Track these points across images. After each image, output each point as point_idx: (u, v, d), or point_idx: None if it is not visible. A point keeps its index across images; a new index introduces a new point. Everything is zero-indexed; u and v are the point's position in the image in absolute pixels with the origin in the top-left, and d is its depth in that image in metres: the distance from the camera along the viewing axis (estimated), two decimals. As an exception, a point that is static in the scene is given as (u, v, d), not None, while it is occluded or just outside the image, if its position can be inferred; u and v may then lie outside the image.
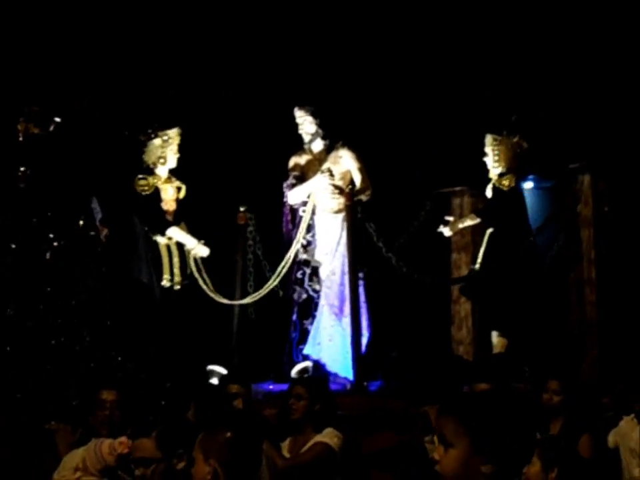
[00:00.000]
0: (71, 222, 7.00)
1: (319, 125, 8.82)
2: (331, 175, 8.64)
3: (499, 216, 8.92)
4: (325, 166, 8.77)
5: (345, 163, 8.90)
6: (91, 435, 5.89)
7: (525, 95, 9.43)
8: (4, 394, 6.40)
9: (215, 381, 7.89)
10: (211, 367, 8.10)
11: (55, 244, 6.77)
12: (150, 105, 8.79)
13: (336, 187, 8.62)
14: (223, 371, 8.04)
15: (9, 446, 5.95)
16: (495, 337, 8.89)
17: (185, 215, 8.77)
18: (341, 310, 8.57)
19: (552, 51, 9.24)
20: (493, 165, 9.04)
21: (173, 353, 8.05)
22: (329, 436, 5.67)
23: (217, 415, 5.39)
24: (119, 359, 6.86)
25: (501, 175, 9.00)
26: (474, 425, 2.85)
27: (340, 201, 8.61)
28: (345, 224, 8.52)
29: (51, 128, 7.20)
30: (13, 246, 6.72)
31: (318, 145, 8.93)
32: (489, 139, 9.08)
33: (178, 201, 8.68)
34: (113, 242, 8.04)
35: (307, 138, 8.90)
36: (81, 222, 7.00)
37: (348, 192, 8.36)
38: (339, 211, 8.67)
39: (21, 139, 7.11)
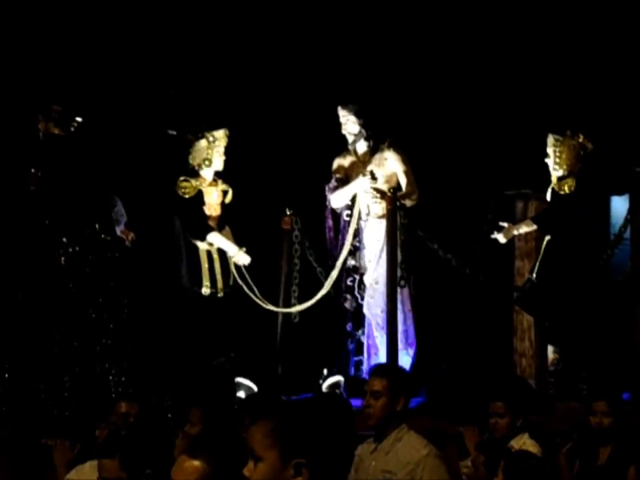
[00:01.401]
0: (87, 226, 6.73)
1: (363, 125, 8.35)
2: (373, 177, 8.19)
3: (557, 223, 8.33)
4: (369, 168, 8.32)
5: (391, 165, 8.42)
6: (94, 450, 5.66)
7: (591, 94, 8.87)
8: (7, 405, 6.19)
9: (242, 394, 7.59)
10: (239, 380, 7.77)
11: (70, 249, 6.50)
12: (196, 105, 8.51)
13: (378, 190, 8.15)
14: (251, 384, 7.73)
15: (9, 460, 5.76)
16: (550, 351, 8.34)
17: (231, 220, 8.44)
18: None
19: (615, 54, 8.70)
20: (554, 167, 8.43)
21: (203, 360, 7.75)
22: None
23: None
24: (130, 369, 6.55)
25: (560, 179, 8.43)
26: (284, 436, 2.63)
27: (384, 206, 8.11)
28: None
29: (72, 128, 6.95)
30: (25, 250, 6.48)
31: (362, 146, 8.47)
32: (550, 139, 8.46)
33: (224, 205, 8.35)
34: (142, 246, 7.79)
35: (350, 138, 8.44)
36: (97, 225, 6.70)
37: (389, 196, 7.88)
38: (383, 216, 8.15)
39: (40, 138, 6.87)
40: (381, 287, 8.14)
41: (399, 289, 8.06)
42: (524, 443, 5.84)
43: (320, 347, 8.53)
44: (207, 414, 5.82)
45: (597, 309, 8.29)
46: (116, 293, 6.96)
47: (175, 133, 8.01)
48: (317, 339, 8.63)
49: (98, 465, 4.25)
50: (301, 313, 8.61)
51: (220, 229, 8.23)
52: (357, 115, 8.34)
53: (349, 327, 8.34)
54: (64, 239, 6.57)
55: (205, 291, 8.01)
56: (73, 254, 6.57)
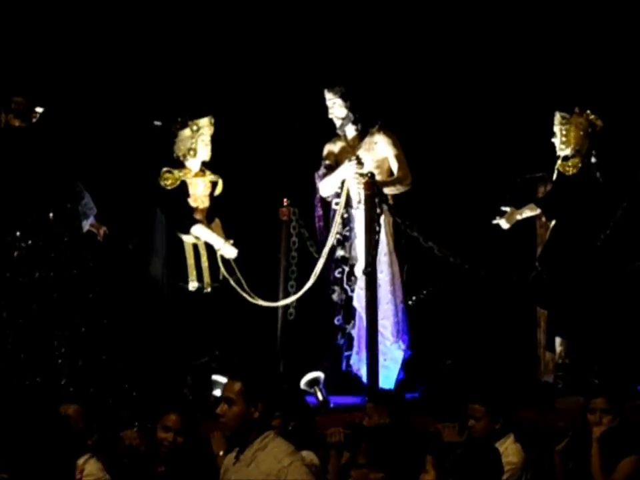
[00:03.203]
0: (42, 219, 6.50)
1: (350, 108, 7.96)
2: (359, 162, 7.80)
3: (561, 206, 7.84)
4: (358, 153, 7.94)
5: (381, 149, 8.01)
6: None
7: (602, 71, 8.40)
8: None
9: (218, 392, 7.28)
10: (215, 377, 7.47)
11: (23, 244, 6.29)
12: (181, 93, 8.26)
13: (363, 176, 7.74)
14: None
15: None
16: (558, 344, 7.83)
17: (222, 212, 8.12)
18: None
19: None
20: (560, 146, 7.97)
21: (186, 359, 7.49)
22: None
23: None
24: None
25: (565, 159, 7.94)
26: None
27: (374, 192, 7.72)
28: (384, 217, 7.72)
29: (34, 119, 6.73)
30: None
31: (350, 130, 8.07)
32: (557, 117, 7.99)
33: (212, 197, 8.01)
34: (118, 240, 7.58)
35: (337, 123, 8.06)
36: (51, 216, 6.45)
37: (367, 181, 7.49)
38: (374, 203, 7.77)
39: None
40: (373, 278, 7.75)
41: (391, 279, 7.72)
42: (506, 448, 5.43)
43: (313, 342, 8.20)
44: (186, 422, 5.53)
45: (608, 297, 7.78)
46: (78, 289, 6.71)
47: (159, 123, 7.74)
48: (310, 333, 8.29)
49: None
50: (296, 307, 8.29)
51: (209, 222, 7.88)
52: (344, 97, 7.95)
53: (337, 320, 7.96)
54: (17, 233, 6.36)
55: (192, 286, 7.70)
56: (27, 248, 6.35)
